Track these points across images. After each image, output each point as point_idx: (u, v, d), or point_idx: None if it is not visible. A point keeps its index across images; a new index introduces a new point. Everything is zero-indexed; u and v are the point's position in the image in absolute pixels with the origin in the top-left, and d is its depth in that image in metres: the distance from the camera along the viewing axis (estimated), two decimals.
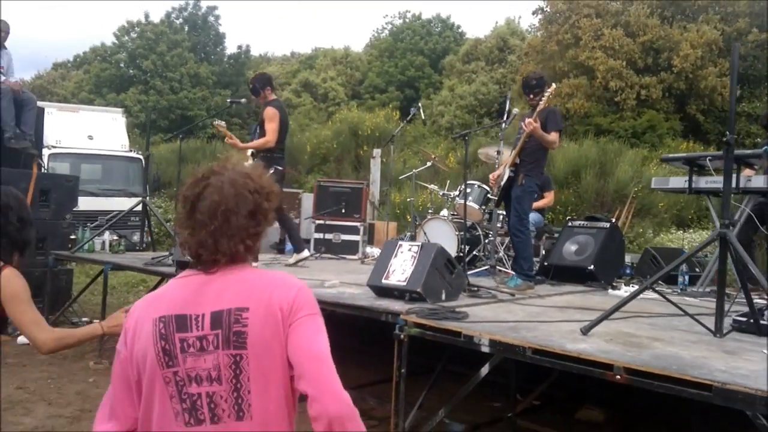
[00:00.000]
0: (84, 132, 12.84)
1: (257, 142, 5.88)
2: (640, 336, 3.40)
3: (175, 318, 1.47)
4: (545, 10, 24.04)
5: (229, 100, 6.92)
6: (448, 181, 7.04)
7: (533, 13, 25.62)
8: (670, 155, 5.62)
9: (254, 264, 1.64)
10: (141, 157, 13.44)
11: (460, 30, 39.35)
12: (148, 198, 7.39)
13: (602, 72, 20.34)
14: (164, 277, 6.02)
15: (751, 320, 3.53)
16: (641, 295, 4.59)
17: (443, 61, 34.25)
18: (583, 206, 11.73)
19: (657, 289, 3.49)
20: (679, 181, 5.74)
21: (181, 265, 5.32)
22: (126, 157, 13.41)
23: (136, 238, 11.01)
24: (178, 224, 1.59)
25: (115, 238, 7.31)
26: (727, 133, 3.24)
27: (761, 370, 2.76)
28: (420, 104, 6.86)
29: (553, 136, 5.02)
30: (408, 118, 6.98)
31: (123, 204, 11.76)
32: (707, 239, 3.59)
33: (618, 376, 2.79)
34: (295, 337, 1.47)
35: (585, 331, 3.33)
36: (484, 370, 3.35)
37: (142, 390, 1.50)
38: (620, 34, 20.64)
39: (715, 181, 5.36)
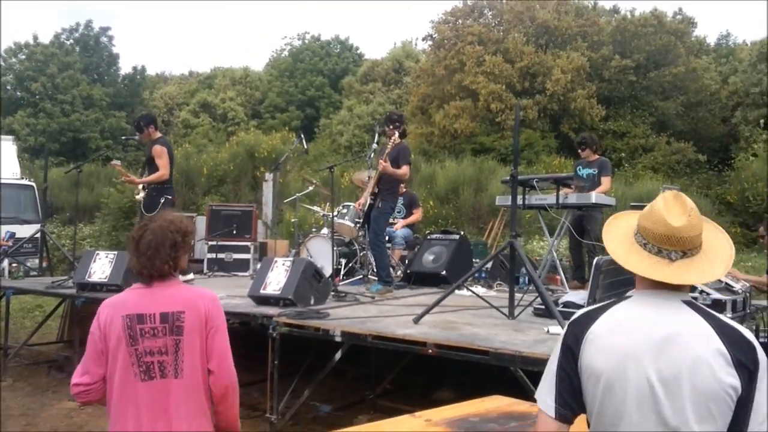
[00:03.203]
0: None
1: (152, 177, 6.44)
2: (458, 322, 4.38)
3: (136, 316, 2.30)
4: (433, 36, 25.61)
5: (123, 137, 7.50)
6: (327, 203, 7.87)
7: (423, 39, 27.03)
8: (507, 178, 6.70)
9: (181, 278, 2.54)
10: (33, 184, 13.45)
11: (358, 51, 40.54)
12: (45, 226, 7.75)
13: (484, 95, 22.00)
14: (65, 299, 6.50)
15: (545, 307, 4.59)
16: (489, 293, 5.70)
17: (342, 82, 35.26)
18: (462, 219, 12.94)
19: (468, 287, 4.48)
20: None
21: (82, 287, 5.87)
22: (17, 185, 13.34)
23: (29, 264, 11.14)
24: (129, 253, 2.45)
25: (14, 264, 7.62)
26: (512, 168, 4.30)
27: (530, 340, 3.79)
28: (302, 134, 7.65)
29: (404, 170, 6.03)
30: (291, 148, 7.81)
31: (15, 231, 11.81)
32: (501, 247, 4.64)
33: (430, 350, 3.73)
34: (212, 338, 2.35)
35: (416, 321, 4.27)
36: (338, 355, 4.21)
37: (108, 357, 2.31)
38: (500, 60, 22.40)
39: (543, 199, 6.53)
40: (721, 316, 1.56)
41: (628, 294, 1.66)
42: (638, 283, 1.64)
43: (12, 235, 4.65)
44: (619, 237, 1.69)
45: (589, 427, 1.63)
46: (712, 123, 23.22)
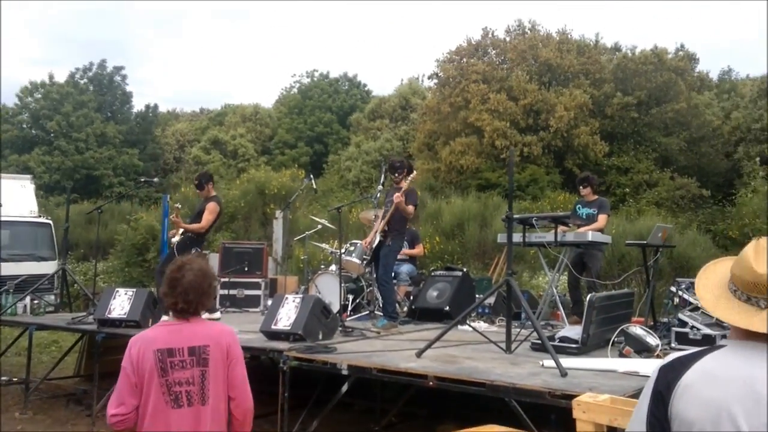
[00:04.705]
0: None
1: (193, 226, 6.95)
2: (458, 356, 4.63)
3: (166, 350, 2.60)
4: (439, 75, 26.24)
5: (143, 179, 7.93)
6: (335, 240, 8.17)
7: (429, 78, 27.71)
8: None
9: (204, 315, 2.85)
10: (50, 222, 13.89)
11: (366, 88, 41.33)
12: (66, 265, 8.12)
13: (489, 132, 22.46)
14: (84, 334, 6.78)
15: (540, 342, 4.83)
16: (491, 329, 5.96)
17: (350, 118, 35.90)
18: (467, 255, 13.16)
19: (470, 323, 4.73)
20: (517, 237, 7.16)
21: (102, 323, 6.16)
22: (34, 223, 13.75)
23: (45, 299, 11.46)
24: (163, 292, 2.73)
25: (36, 301, 7.93)
26: (507, 210, 4.61)
27: (524, 373, 4.04)
28: (311, 174, 8.02)
29: (411, 209, 6.37)
30: (301, 187, 8.20)
31: (31, 268, 12.20)
32: (496, 286, 4.92)
33: (431, 383, 3.98)
34: (233, 369, 2.68)
35: (418, 355, 4.52)
36: (344, 388, 4.46)
37: (141, 389, 2.58)
38: (504, 98, 22.91)
39: (542, 236, 6.81)
40: None
41: (721, 342, 1.66)
42: (732, 331, 1.61)
43: None
44: (712, 283, 1.67)
45: None
46: (716, 158, 23.48)
